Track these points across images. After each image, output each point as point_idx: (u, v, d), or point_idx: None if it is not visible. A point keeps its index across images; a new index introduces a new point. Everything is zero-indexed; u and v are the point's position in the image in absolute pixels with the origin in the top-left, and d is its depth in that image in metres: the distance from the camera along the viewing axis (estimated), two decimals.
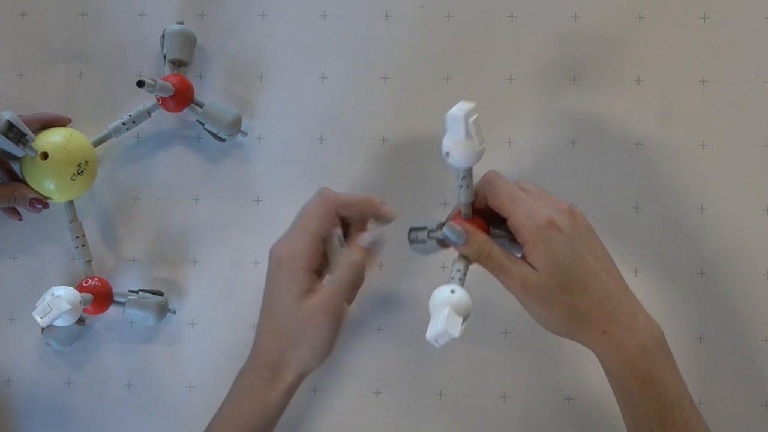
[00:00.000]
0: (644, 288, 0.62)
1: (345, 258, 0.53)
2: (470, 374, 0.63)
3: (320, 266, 0.54)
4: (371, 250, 0.54)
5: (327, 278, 0.54)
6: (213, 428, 0.55)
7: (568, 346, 0.62)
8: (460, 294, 0.46)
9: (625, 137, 0.63)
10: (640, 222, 0.63)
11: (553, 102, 0.64)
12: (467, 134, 0.47)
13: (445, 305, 0.45)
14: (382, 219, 0.56)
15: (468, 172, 0.51)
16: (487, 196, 0.51)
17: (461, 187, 0.51)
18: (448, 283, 0.48)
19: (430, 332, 0.45)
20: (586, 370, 0.61)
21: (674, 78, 0.63)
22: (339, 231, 0.54)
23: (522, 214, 0.49)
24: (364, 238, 0.54)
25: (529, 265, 0.49)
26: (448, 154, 0.48)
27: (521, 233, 0.49)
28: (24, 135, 0.55)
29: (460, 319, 0.45)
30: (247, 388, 0.54)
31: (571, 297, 0.49)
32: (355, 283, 0.53)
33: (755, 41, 0.63)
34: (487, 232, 0.52)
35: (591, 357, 0.62)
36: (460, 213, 0.53)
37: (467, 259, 0.51)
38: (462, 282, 0.50)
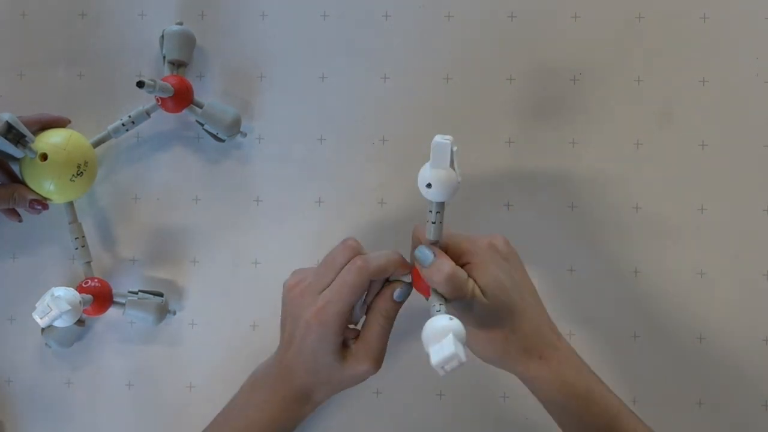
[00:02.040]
0: (644, 288, 0.63)
1: (380, 309, 0.53)
2: (470, 374, 0.63)
3: (351, 321, 0.54)
4: (402, 302, 0.54)
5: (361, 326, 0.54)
6: (239, 430, 0.54)
7: None
8: (457, 321, 0.45)
9: (625, 137, 0.63)
10: (640, 222, 0.63)
11: (552, 102, 0.64)
12: (452, 164, 0.47)
13: (447, 332, 0.44)
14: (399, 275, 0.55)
15: (443, 207, 0.51)
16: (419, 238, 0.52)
17: (434, 222, 0.50)
18: (435, 315, 0.47)
19: (437, 358, 0.44)
20: None
21: (674, 78, 0.63)
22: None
23: (464, 240, 0.52)
24: (397, 293, 0.53)
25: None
26: (429, 185, 0.47)
27: (465, 255, 0.51)
28: (23, 136, 0.55)
29: (462, 345, 0.44)
30: (280, 402, 0.54)
31: (509, 322, 0.50)
32: (390, 329, 0.53)
33: (755, 41, 0.63)
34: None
35: (591, 357, 0.62)
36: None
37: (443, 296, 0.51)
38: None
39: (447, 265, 0.49)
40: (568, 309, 0.63)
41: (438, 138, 0.46)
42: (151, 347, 0.65)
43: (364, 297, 0.54)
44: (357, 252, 0.53)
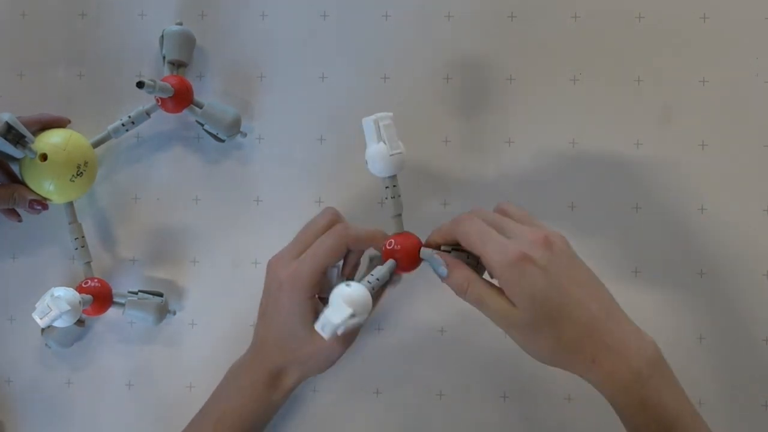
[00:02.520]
0: (644, 288, 0.63)
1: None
2: (470, 374, 0.63)
3: (326, 291, 0.54)
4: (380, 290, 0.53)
5: None
6: (213, 421, 0.56)
7: None
8: (354, 289, 0.46)
9: (625, 137, 0.63)
10: (640, 222, 0.63)
11: (553, 102, 0.64)
12: (380, 139, 0.50)
13: (337, 296, 0.46)
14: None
15: (391, 182, 0.52)
16: (459, 239, 0.50)
17: (387, 198, 0.52)
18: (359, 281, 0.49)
19: (317, 323, 0.45)
20: None
21: (674, 78, 0.63)
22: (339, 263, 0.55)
23: (492, 253, 0.48)
24: (371, 281, 0.52)
25: (508, 299, 0.48)
26: (366, 162, 0.50)
27: (494, 272, 0.48)
28: (23, 136, 0.55)
29: (348, 311, 0.45)
30: (248, 388, 0.56)
31: (553, 329, 0.48)
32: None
33: (755, 41, 0.63)
34: (419, 248, 0.53)
35: None
36: (396, 233, 0.54)
37: (390, 270, 0.52)
38: (373, 287, 0.50)
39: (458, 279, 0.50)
40: None
41: (366, 117, 0.50)
42: (151, 347, 0.65)
43: (340, 267, 0.54)
44: (336, 219, 0.55)
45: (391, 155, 0.51)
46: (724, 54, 0.63)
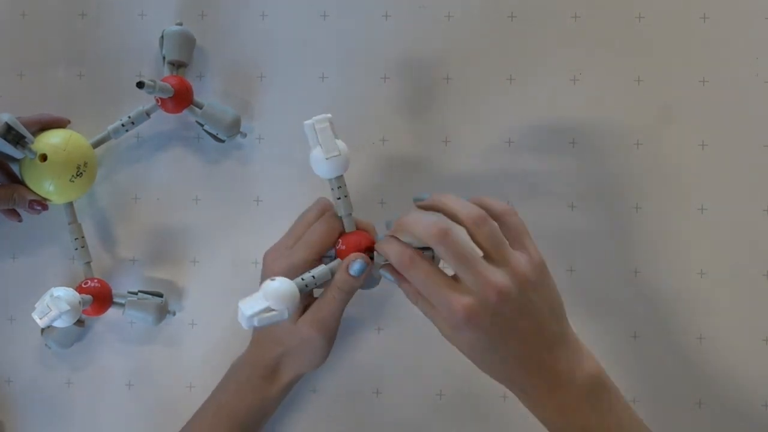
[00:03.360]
0: (644, 288, 0.63)
1: (336, 282, 0.52)
2: (470, 374, 0.63)
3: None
4: (360, 277, 0.53)
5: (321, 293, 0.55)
6: (210, 416, 0.57)
7: None
8: (280, 283, 0.48)
9: (625, 137, 0.63)
10: (640, 222, 0.63)
11: (553, 102, 0.64)
12: (316, 143, 0.51)
13: (261, 289, 0.48)
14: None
15: (336, 183, 0.53)
16: (408, 277, 0.50)
17: (336, 198, 0.53)
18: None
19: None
20: None
21: (674, 78, 0.63)
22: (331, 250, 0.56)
23: (439, 319, 0.48)
24: (353, 267, 0.52)
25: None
26: (311, 166, 0.52)
27: (441, 332, 0.49)
28: (23, 137, 0.55)
29: (263, 304, 0.46)
30: (246, 383, 0.57)
31: (489, 368, 0.50)
32: (345, 302, 0.53)
33: (755, 41, 0.63)
34: (372, 245, 0.53)
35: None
36: (346, 233, 0.54)
37: (331, 270, 0.52)
38: (306, 284, 0.50)
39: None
40: (568, 309, 0.63)
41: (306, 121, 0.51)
42: (151, 347, 0.65)
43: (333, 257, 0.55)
44: (328, 208, 0.56)
45: (327, 159, 0.51)
46: (724, 54, 0.63)
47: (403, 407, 0.63)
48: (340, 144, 0.52)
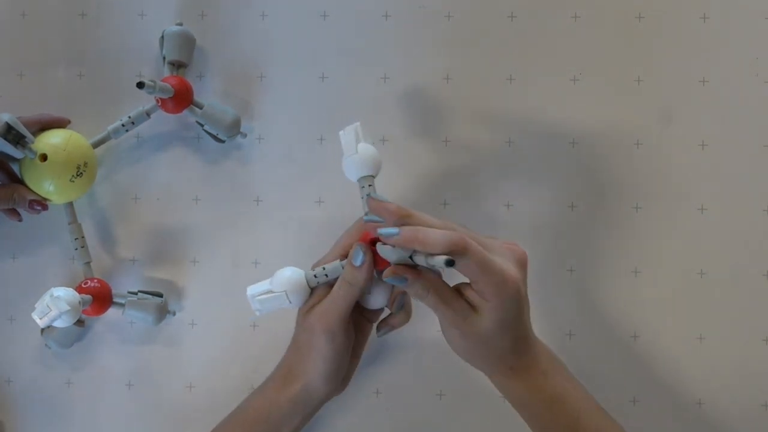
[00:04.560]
0: (644, 288, 0.63)
1: (343, 274, 0.52)
2: (470, 374, 0.63)
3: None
4: (363, 267, 0.52)
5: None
6: (225, 422, 0.57)
7: (568, 347, 0.63)
8: (288, 271, 0.52)
9: (625, 137, 0.63)
10: (640, 222, 0.63)
11: (553, 102, 0.64)
12: (349, 149, 0.53)
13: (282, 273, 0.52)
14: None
15: (359, 183, 0.53)
16: (458, 265, 0.48)
17: (361, 198, 0.53)
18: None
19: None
20: (586, 370, 0.61)
21: (674, 78, 0.63)
22: None
23: (493, 286, 0.48)
24: (353, 256, 0.51)
25: (470, 307, 0.49)
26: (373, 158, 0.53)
27: (488, 299, 0.49)
28: (23, 137, 0.55)
29: (266, 286, 0.52)
30: (261, 388, 0.56)
31: (496, 343, 0.50)
32: (351, 297, 0.52)
33: (755, 41, 0.63)
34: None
35: (590, 357, 0.62)
36: (363, 233, 0.53)
37: (342, 267, 0.52)
38: (316, 276, 0.53)
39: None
40: (568, 309, 0.63)
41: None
42: (151, 347, 0.65)
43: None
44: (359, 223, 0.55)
45: (344, 157, 0.53)
46: (724, 54, 0.63)
47: (403, 407, 0.63)
48: (362, 146, 0.52)
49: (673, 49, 0.64)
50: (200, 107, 0.62)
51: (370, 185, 0.52)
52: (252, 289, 0.52)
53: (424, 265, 0.48)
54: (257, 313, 0.52)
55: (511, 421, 0.62)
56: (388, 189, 0.64)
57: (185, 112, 0.62)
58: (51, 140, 0.58)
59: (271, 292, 0.52)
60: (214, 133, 0.63)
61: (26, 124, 0.57)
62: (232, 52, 0.65)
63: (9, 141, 0.54)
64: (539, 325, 0.63)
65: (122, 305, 0.62)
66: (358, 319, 0.56)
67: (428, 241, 0.46)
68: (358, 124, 0.53)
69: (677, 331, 0.62)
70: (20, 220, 0.61)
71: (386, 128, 0.64)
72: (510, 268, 0.49)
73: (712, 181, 0.63)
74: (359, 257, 0.51)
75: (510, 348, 0.51)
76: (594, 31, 0.64)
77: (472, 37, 0.65)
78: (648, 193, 0.63)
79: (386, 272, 0.49)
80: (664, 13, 0.64)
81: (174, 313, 0.64)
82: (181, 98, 0.61)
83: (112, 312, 0.62)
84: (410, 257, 0.49)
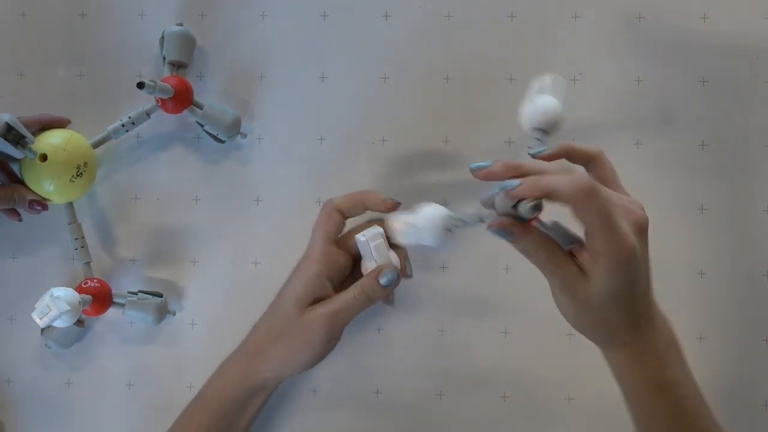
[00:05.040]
0: None
1: (363, 284, 0.53)
2: (470, 374, 0.63)
3: (333, 272, 0.55)
4: (387, 288, 0.53)
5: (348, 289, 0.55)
6: (189, 405, 0.57)
7: (568, 346, 0.63)
8: (436, 209, 0.49)
9: (625, 137, 0.63)
10: None
11: None
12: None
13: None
14: (380, 208, 0.55)
15: (536, 132, 0.51)
16: (579, 210, 0.46)
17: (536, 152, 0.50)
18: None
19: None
20: (586, 370, 0.61)
21: (674, 78, 0.63)
22: (377, 231, 0.54)
23: (607, 244, 0.44)
24: (384, 277, 0.52)
25: (581, 271, 0.46)
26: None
27: (598, 262, 0.45)
28: (23, 137, 0.55)
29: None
30: (225, 369, 0.57)
31: (607, 314, 0.47)
32: (363, 307, 0.53)
33: (755, 41, 0.63)
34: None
35: (590, 357, 0.62)
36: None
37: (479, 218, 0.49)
38: (452, 216, 0.49)
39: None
40: None
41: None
42: (151, 347, 0.65)
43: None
44: (327, 202, 0.56)
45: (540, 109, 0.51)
46: (724, 54, 0.63)
47: (404, 407, 0.63)
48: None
49: (673, 49, 0.64)
50: (200, 107, 0.62)
51: (538, 139, 0.50)
52: (395, 219, 0.49)
53: (526, 215, 0.45)
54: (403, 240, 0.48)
55: (511, 421, 0.62)
56: (389, 189, 0.64)
57: (185, 112, 0.62)
58: (51, 140, 0.58)
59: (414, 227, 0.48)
60: (214, 133, 0.63)
61: (26, 124, 0.56)
62: (232, 52, 0.65)
63: (9, 141, 0.54)
64: (539, 325, 0.63)
65: (122, 305, 0.62)
66: None
67: (555, 187, 0.44)
68: (557, 76, 0.51)
69: (678, 331, 0.62)
70: (20, 220, 0.61)
71: (386, 128, 0.64)
72: (628, 232, 0.45)
73: (712, 181, 0.63)
74: (390, 279, 0.52)
75: (624, 322, 0.47)
76: (594, 31, 0.64)
77: (471, 37, 0.65)
78: (648, 193, 0.63)
79: (492, 223, 0.46)
80: (664, 13, 0.64)
81: (174, 313, 0.64)
82: (181, 98, 0.61)
83: (112, 312, 0.62)
84: (514, 207, 0.46)
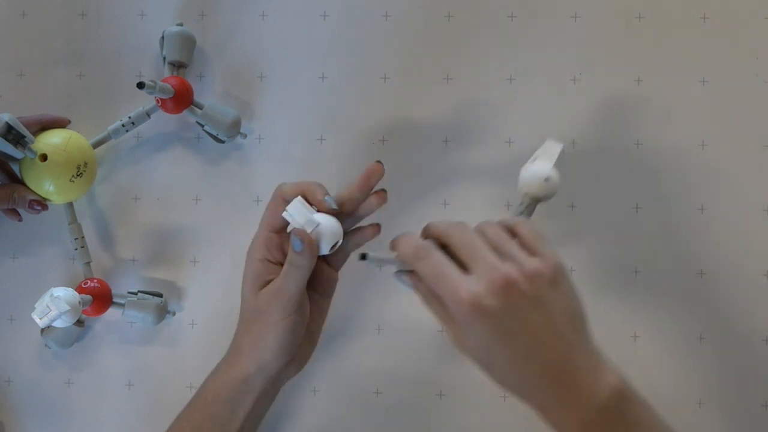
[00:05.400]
0: (644, 288, 0.63)
1: (288, 255, 0.52)
2: (470, 374, 0.63)
3: (277, 257, 0.55)
4: (304, 252, 0.52)
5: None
6: (185, 407, 0.57)
7: None
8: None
9: (625, 137, 0.63)
10: (640, 222, 0.63)
11: (553, 102, 0.64)
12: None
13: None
14: (317, 206, 0.53)
15: (524, 199, 0.52)
16: (418, 272, 0.49)
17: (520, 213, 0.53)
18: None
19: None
20: None
21: (674, 78, 0.63)
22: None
23: (447, 299, 0.46)
24: (293, 242, 0.51)
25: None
26: (547, 179, 0.52)
27: (451, 334, 0.48)
28: (23, 137, 0.55)
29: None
30: (214, 371, 0.57)
31: (497, 375, 0.48)
32: (300, 276, 0.52)
33: (755, 41, 0.63)
34: None
35: None
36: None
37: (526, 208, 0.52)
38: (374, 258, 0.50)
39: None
40: None
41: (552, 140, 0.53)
42: (151, 347, 0.65)
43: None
44: (276, 191, 0.55)
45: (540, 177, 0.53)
46: (724, 54, 0.63)
47: (403, 407, 0.63)
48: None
49: (673, 49, 0.64)
50: (200, 107, 0.62)
51: (525, 205, 0.52)
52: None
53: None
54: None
55: (511, 421, 0.62)
56: (389, 189, 0.64)
57: (185, 112, 0.62)
58: (51, 140, 0.58)
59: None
60: (214, 133, 0.63)
61: (26, 124, 0.57)
62: (232, 52, 0.65)
63: (9, 141, 0.54)
64: None
65: (122, 305, 0.62)
66: (313, 297, 0.56)
67: (399, 247, 0.49)
68: (563, 147, 0.53)
69: (677, 331, 0.62)
70: (20, 220, 0.61)
71: (386, 128, 0.64)
72: (468, 287, 0.45)
73: (712, 181, 0.63)
74: (298, 244, 0.51)
75: (526, 372, 0.46)
76: (594, 31, 0.64)
77: (471, 37, 0.65)
78: (648, 193, 0.63)
79: (399, 273, 0.51)
80: (664, 13, 0.64)
81: (174, 313, 0.64)
82: (181, 98, 0.61)
83: (112, 312, 0.62)
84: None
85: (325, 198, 0.52)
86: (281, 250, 0.55)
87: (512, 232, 0.49)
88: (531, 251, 0.47)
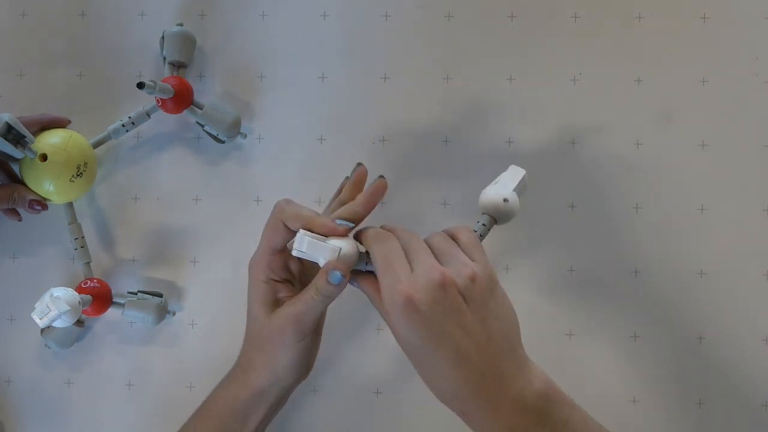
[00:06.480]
0: (644, 288, 0.63)
1: (317, 283, 0.51)
2: None
3: (282, 276, 0.54)
4: (341, 284, 0.51)
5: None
6: (191, 418, 0.56)
7: (567, 347, 0.63)
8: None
9: (625, 137, 0.63)
10: (640, 222, 0.63)
11: (553, 102, 0.64)
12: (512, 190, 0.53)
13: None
14: (333, 233, 0.51)
15: (481, 219, 0.52)
16: (370, 254, 0.49)
17: (481, 236, 0.52)
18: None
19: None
20: (586, 369, 0.62)
21: (674, 78, 0.63)
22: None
23: (385, 289, 0.47)
24: (332, 275, 0.50)
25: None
26: (506, 200, 0.52)
27: (384, 306, 0.48)
28: (23, 137, 0.55)
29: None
30: (223, 382, 0.56)
31: (426, 374, 0.48)
32: (324, 305, 0.52)
33: (755, 41, 0.63)
34: None
35: (590, 357, 0.62)
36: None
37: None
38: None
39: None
40: (568, 309, 0.63)
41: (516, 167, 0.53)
42: (151, 347, 0.65)
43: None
44: (276, 210, 0.54)
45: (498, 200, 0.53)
46: (724, 54, 0.63)
47: (403, 407, 0.63)
48: (511, 194, 0.53)
49: (673, 49, 0.64)
50: (200, 107, 0.62)
51: (482, 223, 0.52)
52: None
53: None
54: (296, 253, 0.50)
55: None
56: (389, 189, 0.64)
57: (185, 112, 0.62)
58: (51, 140, 0.59)
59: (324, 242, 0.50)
60: (214, 133, 0.63)
61: (26, 124, 0.57)
62: (232, 52, 0.65)
63: (9, 141, 0.54)
64: (539, 326, 0.63)
65: (122, 305, 0.62)
66: None
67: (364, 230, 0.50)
68: (525, 173, 0.53)
69: (677, 331, 0.62)
70: (20, 220, 0.61)
71: (386, 128, 0.64)
72: (407, 280, 0.46)
73: (712, 181, 0.63)
74: (337, 278, 0.49)
75: (453, 375, 0.46)
76: (594, 31, 0.64)
77: (472, 37, 0.65)
78: (648, 193, 0.63)
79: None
80: (664, 13, 0.64)
81: (174, 313, 0.64)
82: (181, 98, 0.61)
83: (111, 312, 0.62)
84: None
85: (338, 222, 0.51)
86: (285, 268, 0.54)
87: (454, 239, 0.50)
88: (470, 257, 0.48)
